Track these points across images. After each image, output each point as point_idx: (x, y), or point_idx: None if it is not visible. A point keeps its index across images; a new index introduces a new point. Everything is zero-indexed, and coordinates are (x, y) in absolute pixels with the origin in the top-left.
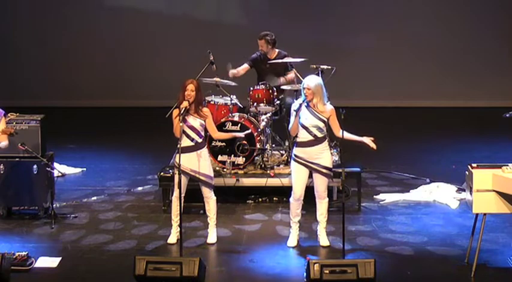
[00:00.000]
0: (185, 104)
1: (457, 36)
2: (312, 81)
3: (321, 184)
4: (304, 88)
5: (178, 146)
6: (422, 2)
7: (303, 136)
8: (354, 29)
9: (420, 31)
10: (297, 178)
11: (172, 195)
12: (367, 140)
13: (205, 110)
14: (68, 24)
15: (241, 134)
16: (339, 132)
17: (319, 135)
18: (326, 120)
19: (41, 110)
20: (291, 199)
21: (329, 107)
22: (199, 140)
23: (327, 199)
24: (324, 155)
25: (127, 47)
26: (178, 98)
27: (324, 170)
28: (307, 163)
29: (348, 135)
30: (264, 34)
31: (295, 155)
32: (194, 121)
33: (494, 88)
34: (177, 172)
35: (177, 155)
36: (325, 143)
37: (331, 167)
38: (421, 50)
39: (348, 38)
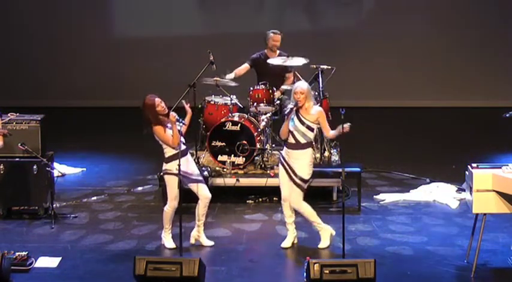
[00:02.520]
0: (174, 115)
1: (457, 36)
2: (304, 85)
3: (292, 191)
4: (296, 92)
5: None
6: (423, 2)
7: (289, 138)
8: (355, 29)
9: (420, 31)
10: (281, 178)
11: (166, 204)
12: (346, 127)
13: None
14: (68, 24)
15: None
16: (328, 132)
17: (302, 141)
18: (314, 126)
19: (41, 110)
20: (282, 201)
21: (316, 109)
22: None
23: (303, 208)
24: (301, 162)
25: (127, 47)
26: (148, 116)
27: (294, 176)
28: (285, 164)
29: (333, 133)
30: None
31: (281, 154)
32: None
33: (494, 88)
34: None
35: (174, 164)
36: (307, 151)
37: (304, 177)
38: (421, 50)
39: (348, 38)
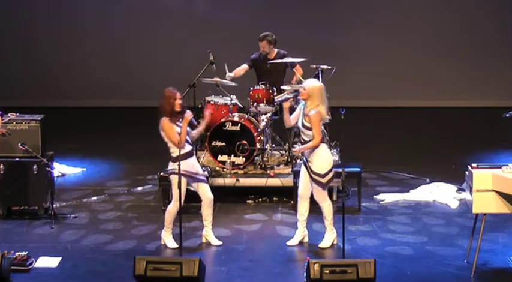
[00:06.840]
0: (190, 114)
1: (456, 36)
2: (309, 82)
3: (313, 187)
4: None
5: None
6: (424, 0)
7: (301, 137)
8: (355, 28)
9: (421, 31)
10: (300, 176)
11: (169, 203)
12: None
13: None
14: (68, 24)
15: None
16: (314, 139)
17: (306, 139)
18: (311, 126)
19: (41, 110)
20: (298, 197)
21: (312, 112)
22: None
23: (326, 203)
24: (314, 159)
25: (127, 47)
26: (163, 106)
27: (312, 175)
28: (306, 162)
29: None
30: (265, 35)
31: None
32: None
33: (495, 88)
34: (175, 182)
35: (178, 164)
36: (318, 147)
37: (320, 172)
38: (421, 50)
39: (348, 37)
